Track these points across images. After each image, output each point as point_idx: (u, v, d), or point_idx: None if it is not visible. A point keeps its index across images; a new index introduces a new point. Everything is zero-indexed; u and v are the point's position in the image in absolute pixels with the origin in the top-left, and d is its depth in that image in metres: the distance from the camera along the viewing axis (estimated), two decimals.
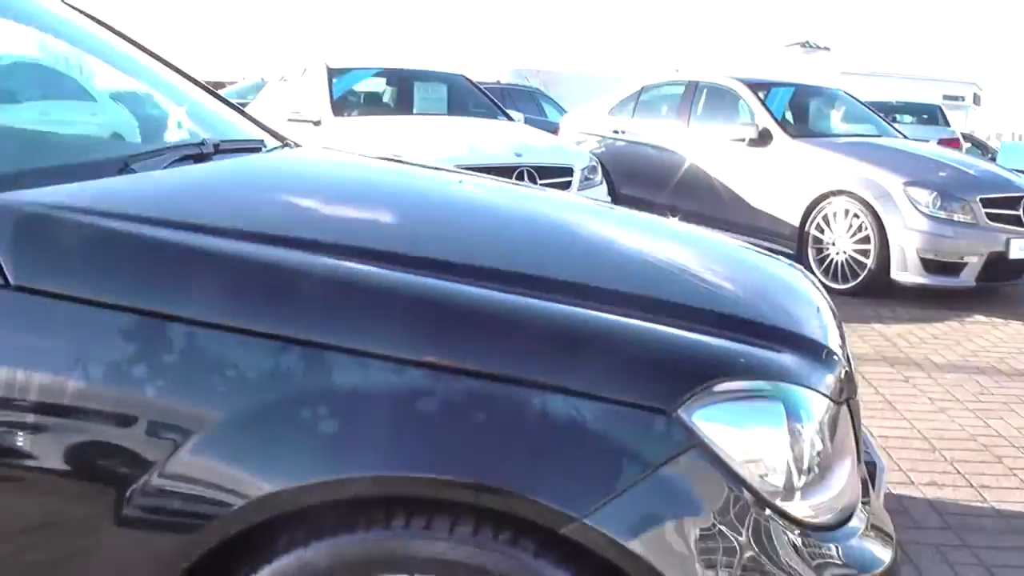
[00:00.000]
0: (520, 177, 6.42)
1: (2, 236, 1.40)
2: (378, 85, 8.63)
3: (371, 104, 8.28)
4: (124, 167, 1.81)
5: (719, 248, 2.36)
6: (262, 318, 1.38)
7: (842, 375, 1.71)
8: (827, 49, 44.87)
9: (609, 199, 7.12)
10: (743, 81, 8.29)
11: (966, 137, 17.94)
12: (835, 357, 1.74)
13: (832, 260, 7.02)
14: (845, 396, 1.70)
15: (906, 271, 6.64)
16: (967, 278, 6.65)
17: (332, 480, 1.31)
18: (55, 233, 1.45)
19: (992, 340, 5.81)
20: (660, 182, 8.37)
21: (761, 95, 8.06)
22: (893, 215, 6.66)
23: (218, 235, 1.51)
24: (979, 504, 3.37)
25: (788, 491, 1.47)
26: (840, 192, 6.97)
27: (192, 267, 1.44)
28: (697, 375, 1.43)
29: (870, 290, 6.75)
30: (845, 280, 6.88)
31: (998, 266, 6.68)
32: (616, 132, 9.06)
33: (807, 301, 2.02)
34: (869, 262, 6.76)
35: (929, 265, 6.60)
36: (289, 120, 7.20)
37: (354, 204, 2.04)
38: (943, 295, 6.74)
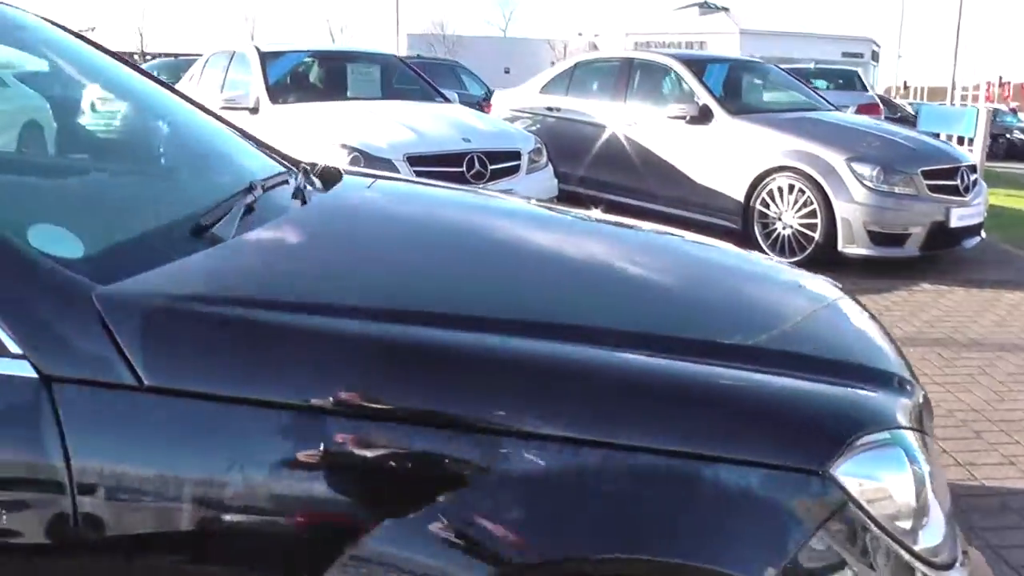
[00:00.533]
0: (471, 164, 6.31)
1: (129, 333, 1.29)
2: (309, 68, 8.38)
3: (305, 89, 8.02)
4: (199, 229, 1.66)
5: (766, 272, 2.32)
6: (431, 405, 1.31)
7: (920, 402, 1.72)
8: (726, 10, 45.47)
9: (555, 182, 7.07)
10: (678, 58, 8.31)
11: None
12: (912, 387, 1.75)
13: (779, 234, 7.10)
14: (925, 424, 1.72)
15: (853, 244, 6.75)
16: (911, 248, 6.82)
17: (519, 565, 1.25)
18: (184, 326, 1.34)
19: (943, 309, 5.95)
20: (598, 160, 8.35)
21: (698, 72, 8.08)
22: (839, 190, 6.76)
23: (359, 316, 1.42)
24: (972, 483, 3.43)
25: (914, 533, 1.49)
26: (784, 168, 7.04)
27: (341, 355, 1.35)
28: (842, 432, 1.43)
29: (818, 263, 6.80)
30: (792, 253, 6.97)
31: (939, 235, 6.87)
32: (550, 109, 8.99)
33: (870, 328, 2.02)
34: (816, 236, 6.85)
35: (875, 237, 6.73)
36: (223, 108, 6.94)
37: (485, 261, 1.91)
38: (888, 266, 6.87)
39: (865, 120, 8.79)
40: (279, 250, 1.75)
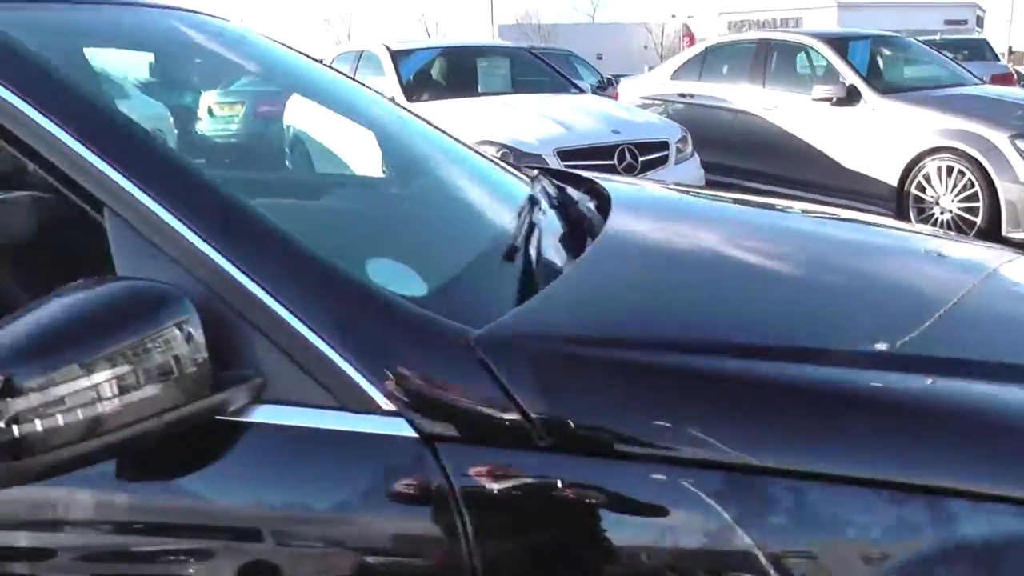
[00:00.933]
0: (621, 156, 6.17)
1: (520, 383, 1.15)
2: (439, 65, 8.32)
3: (436, 86, 7.96)
4: (525, 254, 1.53)
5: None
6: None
7: None
8: None
9: (702, 172, 6.88)
10: (819, 36, 8.01)
11: None
12: None
13: (936, 220, 6.79)
14: None
15: (1019, 228, 6.41)
16: None
17: None
18: (579, 372, 1.20)
19: None
20: (738, 147, 8.08)
21: (841, 50, 7.77)
22: (1003, 170, 6.41)
23: (780, 356, 1.27)
24: None
25: None
26: (941, 149, 6.72)
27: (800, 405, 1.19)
28: None
29: None
30: None
31: None
32: (683, 96, 8.77)
33: None
34: (978, 220, 6.53)
35: None
36: None
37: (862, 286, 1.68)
38: None
39: (1020, 93, 8.37)
40: (626, 274, 1.59)
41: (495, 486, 1.12)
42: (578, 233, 1.74)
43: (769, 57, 8.25)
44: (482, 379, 1.15)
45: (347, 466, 1.15)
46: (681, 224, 1.97)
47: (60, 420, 1.01)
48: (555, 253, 1.57)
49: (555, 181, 2.15)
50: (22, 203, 2.30)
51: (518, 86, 8.05)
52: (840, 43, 7.94)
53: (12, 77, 1.22)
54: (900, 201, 6.98)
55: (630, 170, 6.11)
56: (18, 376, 0.99)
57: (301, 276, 1.19)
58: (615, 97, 9.61)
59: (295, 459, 1.15)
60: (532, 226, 1.70)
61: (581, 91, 7.90)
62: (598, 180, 2.17)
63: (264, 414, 1.14)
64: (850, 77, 7.48)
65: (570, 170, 2.78)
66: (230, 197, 1.25)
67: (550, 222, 1.75)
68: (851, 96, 7.35)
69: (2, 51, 1.26)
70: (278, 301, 1.15)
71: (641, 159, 6.22)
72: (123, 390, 1.04)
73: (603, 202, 1.90)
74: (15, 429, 0.99)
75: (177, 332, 1.08)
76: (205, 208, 1.21)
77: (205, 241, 1.17)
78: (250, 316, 1.15)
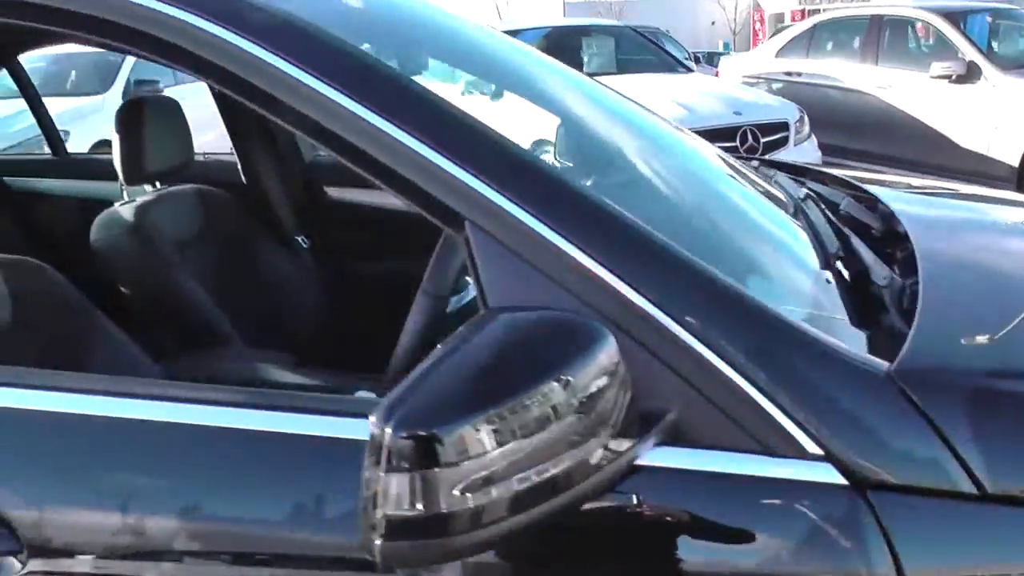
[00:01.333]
0: (743, 138, 6.10)
1: (953, 422, 1.02)
2: (542, 45, 8.27)
3: None
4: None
5: None
6: None
7: None
8: None
9: (819, 153, 6.77)
10: (936, 11, 7.80)
11: None
12: None
13: None
14: None
15: None
16: None
17: None
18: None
19: None
20: (851, 126, 7.92)
21: (959, 24, 7.58)
22: None
23: None
24: None
25: None
26: None
27: None
28: None
29: None
30: None
31: None
32: (790, 74, 8.64)
33: None
34: None
35: None
36: None
37: None
38: None
39: None
40: (982, 296, 1.40)
41: (935, 538, 1.02)
42: (885, 246, 1.62)
43: (882, 33, 8.08)
44: (908, 417, 1.02)
45: (774, 516, 1.02)
46: (979, 233, 1.88)
47: (493, 493, 0.89)
48: (883, 269, 1.48)
49: (808, 185, 2.08)
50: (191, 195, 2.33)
51: (622, 66, 7.98)
52: (957, 16, 7.73)
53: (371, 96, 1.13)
54: (1020, 182, 6.82)
55: (752, 152, 6.04)
56: (446, 441, 0.87)
57: (714, 305, 1.07)
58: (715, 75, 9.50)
59: (715, 507, 1.03)
60: (843, 238, 1.62)
61: (690, 70, 7.80)
62: (844, 177, 2.14)
63: (675, 457, 1.03)
64: (969, 52, 7.30)
65: (802, 164, 2.72)
66: (626, 217, 1.12)
67: (848, 233, 1.69)
68: (971, 73, 7.17)
69: (359, 67, 1.20)
70: (691, 333, 1.03)
71: (763, 140, 6.14)
72: (567, 445, 0.93)
73: (875, 205, 1.85)
74: (443, 502, 0.87)
75: (606, 376, 0.96)
76: (599, 229, 1.09)
77: (605, 267, 1.05)
78: (659, 350, 1.03)
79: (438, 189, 1.08)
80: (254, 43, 1.14)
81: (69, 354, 1.60)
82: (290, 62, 1.13)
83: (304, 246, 2.56)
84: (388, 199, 2.69)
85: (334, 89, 1.12)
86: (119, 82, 8.77)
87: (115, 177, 2.20)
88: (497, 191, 1.07)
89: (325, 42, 1.20)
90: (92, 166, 3.04)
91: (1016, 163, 6.84)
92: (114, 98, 8.22)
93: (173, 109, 2.26)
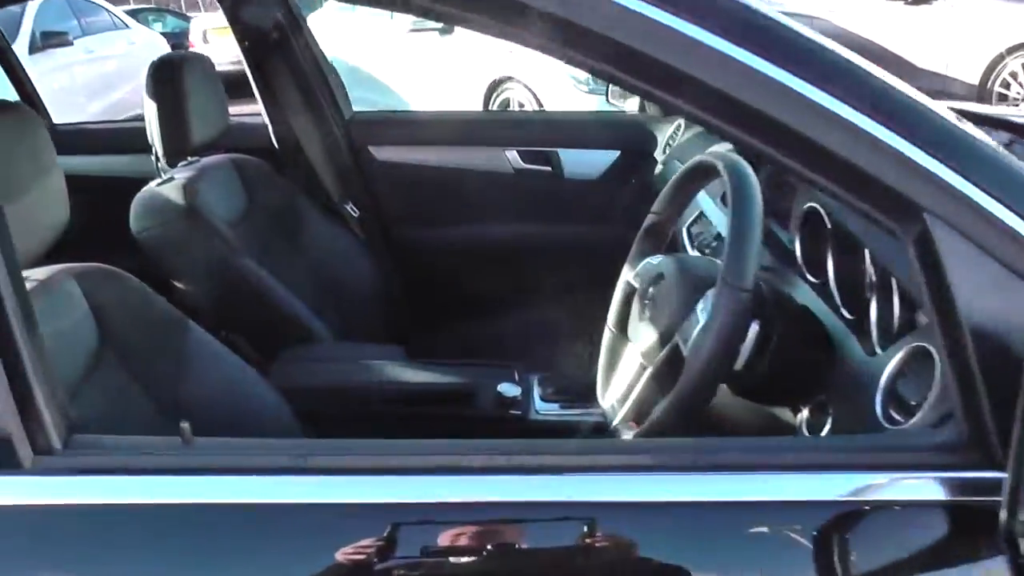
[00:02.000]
0: None
1: None
2: None
3: None
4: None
5: None
6: None
7: None
8: None
9: None
10: None
11: None
12: None
13: None
14: None
15: None
16: None
17: None
18: None
19: None
20: None
21: None
22: None
23: None
24: None
25: None
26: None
27: None
28: None
29: None
30: None
31: None
32: None
33: None
34: None
35: None
36: None
37: None
38: None
39: None
40: None
41: None
42: None
43: None
44: None
45: None
46: None
47: None
48: None
49: None
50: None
51: None
52: None
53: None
54: (980, 102, 6.77)
55: None
56: None
57: None
58: None
59: None
60: None
61: None
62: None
63: None
64: None
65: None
66: None
67: None
68: None
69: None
70: None
71: None
72: None
73: None
74: None
75: None
76: None
77: None
78: None
79: (897, 177, 0.89)
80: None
81: (168, 369, 1.35)
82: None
83: (354, 216, 2.24)
84: (435, 157, 2.42)
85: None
86: (23, 35, 8.03)
87: (110, 151, 1.88)
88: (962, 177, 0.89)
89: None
90: (82, 138, 2.64)
91: (976, 81, 6.80)
92: (19, 51, 7.51)
93: (208, 67, 1.91)
